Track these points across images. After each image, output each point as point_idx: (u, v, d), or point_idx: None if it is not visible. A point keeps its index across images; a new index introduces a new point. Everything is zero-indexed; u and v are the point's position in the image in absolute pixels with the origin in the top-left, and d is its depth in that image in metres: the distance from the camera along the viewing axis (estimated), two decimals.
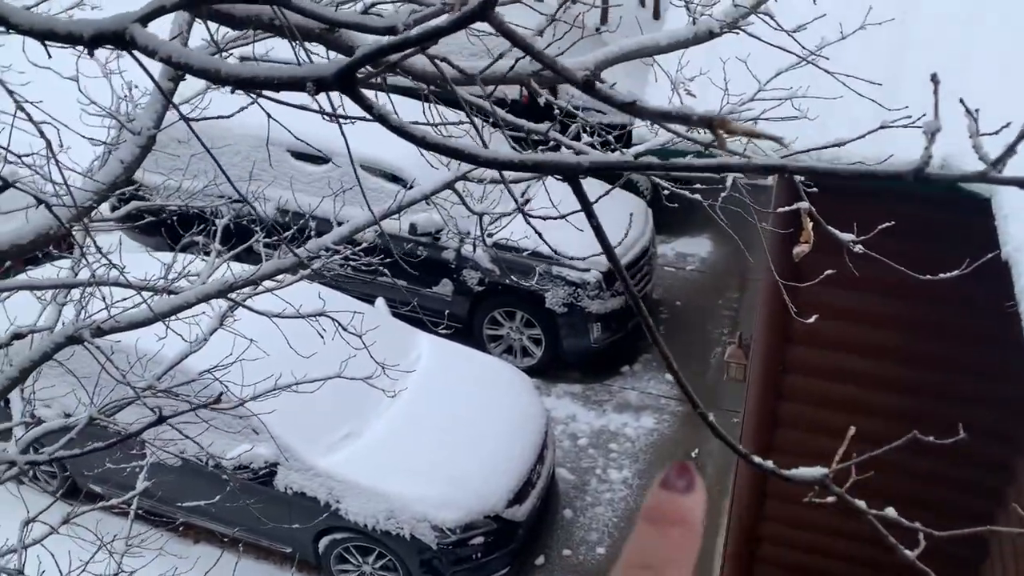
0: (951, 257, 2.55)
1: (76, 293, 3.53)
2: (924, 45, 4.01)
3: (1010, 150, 0.73)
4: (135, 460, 4.70)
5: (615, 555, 6.58)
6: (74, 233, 3.28)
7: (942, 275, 2.42)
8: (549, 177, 2.16)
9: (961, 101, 0.93)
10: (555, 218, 2.37)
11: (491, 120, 2.09)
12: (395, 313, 7.75)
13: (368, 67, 1.03)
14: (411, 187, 4.66)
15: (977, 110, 0.95)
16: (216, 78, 1.07)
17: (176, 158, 6.21)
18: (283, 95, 1.25)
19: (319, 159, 8.26)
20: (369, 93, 1.19)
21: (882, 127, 2.28)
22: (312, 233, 3.72)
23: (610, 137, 3.24)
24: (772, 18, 2.74)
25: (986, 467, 4.87)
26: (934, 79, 0.84)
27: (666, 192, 3.42)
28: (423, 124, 2.56)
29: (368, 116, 1.01)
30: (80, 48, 1.44)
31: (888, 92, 3.28)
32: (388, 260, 4.09)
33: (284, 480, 6.36)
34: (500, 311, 8.65)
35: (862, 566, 5.39)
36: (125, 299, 3.16)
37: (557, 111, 3.06)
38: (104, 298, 3.12)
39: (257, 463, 6.28)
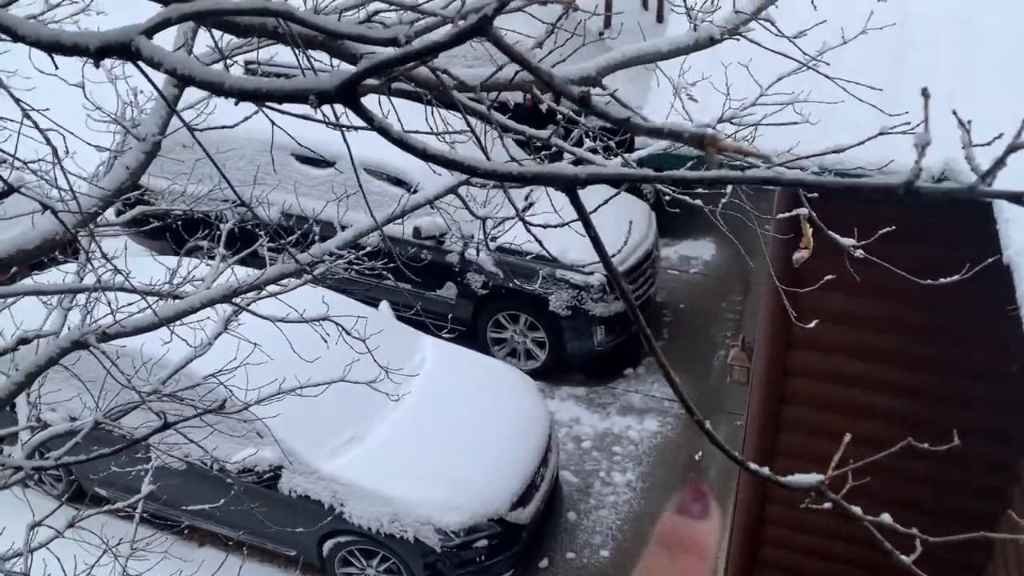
0: (952, 261, 2.56)
1: (82, 298, 3.55)
2: (925, 45, 4.02)
3: (999, 163, 0.74)
4: (140, 464, 4.72)
5: (618, 558, 6.57)
6: (80, 238, 3.30)
7: (943, 280, 2.43)
8: None
9: (954, 113, 0.94)
10: (555, 227, 2.38)
11: (493, 125, 2.11)
12: (399, 316, 7.77)
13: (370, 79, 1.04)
14: (415, 191, 4.67)
15: (970, 121, 0.96)
16: (221, 90, 1.09)
17: (181, 163, 6.25)
18: (287, 105, 1.27)
19: (323, 163, 8.30)
20: (372, 97, 1.20)
21: (881, 134, 2.29)
22: (316, 238, 3.74)
23: (611, 143, 3.25)
24: (773, 24, 2.76)
25: (989, 469, 4.87)
26: (924, 94, 0.85)
27: (667, 198, 3.43)
28: (424, 133, 2.57)
29: (370, 127, 1.03)
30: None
31: (889, 94, 3.29)
32: (392, 265, 4.11)
33: (288, 483, 6.37)
34: (504, 314, 8.67)
35: (862, 569, 5.39)
36: (130, 304, 3.18)
37: (559, 116, 3.07)
38: (110, 303, 3.14)
39: (261, 467, 6.30)
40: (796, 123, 3.16)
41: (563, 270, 8.02)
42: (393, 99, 2.47)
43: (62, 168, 2.43)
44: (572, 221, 1.24)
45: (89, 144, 3.13)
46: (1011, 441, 4.68)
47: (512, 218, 3.34)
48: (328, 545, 6.61)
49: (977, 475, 4.94)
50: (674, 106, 3.27)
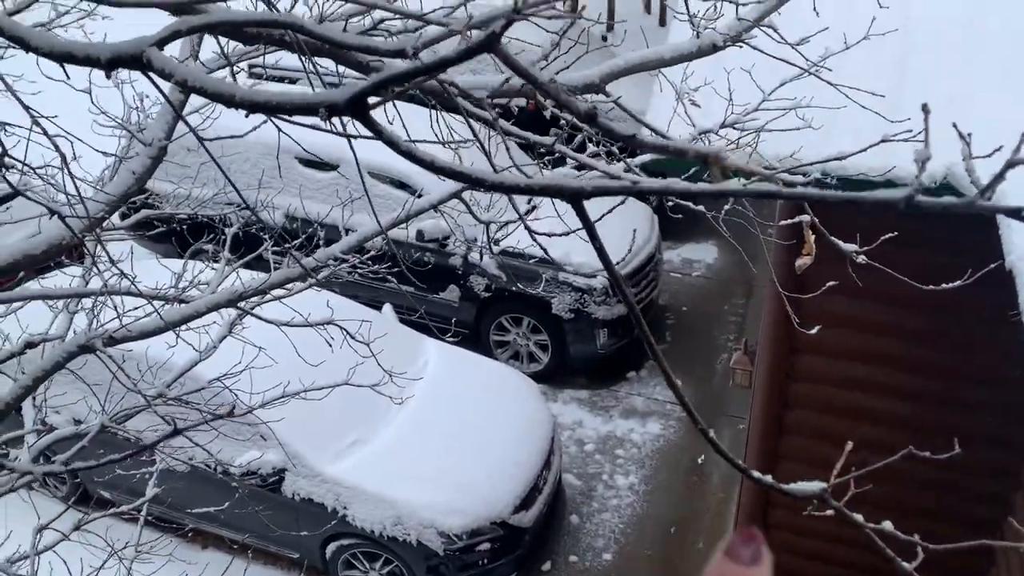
0: (954, 266, 2.57)
1: (88, 302, 3.56)
2: (926, 49, 4.03)
3: (997, 179, 0.75)
4: (144, 467, 4.74)
5: (621, 561, 6.57)
6: (86, 243, 3.32)
7: (945, 285, 2.44)
8: None
9: (954, 126, 0.95)
10: (559, 235, 2.40)
11: (497, 131, 2.12)
12: (402, 319, 7.79)
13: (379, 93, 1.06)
14: (419, 195, 4.68)
15: (970, 134, 0.98)
16: (231, 102, 1.10)
17: (186, 167, 6.26)
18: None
19: (327, 166, 8.32)
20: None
21: (883, 141, 2.30)
22: (321, 241, 3.76)
23: (614, 148, 3.26)
24: (775, 30, 2.78)
25: (991, 475, 4.88)
26: (925, 109, 0.86)
27: (670, 204, 3.44)
28: (430, 142, 2.59)
29: (379, 139, 1.04)
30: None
31: (891, 97, 3.31)
32: (395, 268, 4.13)
33: (292, 486, 6.39)
34: (507, 317, 8.68)
35: (864, 573, 5.40)
36: (136, 308, 3.20)
37: (563, 122, 3.09)
38: (116, 307, 3.16)
39: (265, 470, 6.32)
40: (798, 128, 3.18)
41: (566, 273, 8.04)
42: (397, 103, 2.49)
43: (69, 173, 2.45)
44: (578, 229, 1.26)
45: (95, 149, 3.14)
46: (1013, 446, 4.69)
47: (515, 222, 3.35)
48: (331, 548, 6.63)
49: (979, 480, 4.95)
50: (677, 111, 3.29)
